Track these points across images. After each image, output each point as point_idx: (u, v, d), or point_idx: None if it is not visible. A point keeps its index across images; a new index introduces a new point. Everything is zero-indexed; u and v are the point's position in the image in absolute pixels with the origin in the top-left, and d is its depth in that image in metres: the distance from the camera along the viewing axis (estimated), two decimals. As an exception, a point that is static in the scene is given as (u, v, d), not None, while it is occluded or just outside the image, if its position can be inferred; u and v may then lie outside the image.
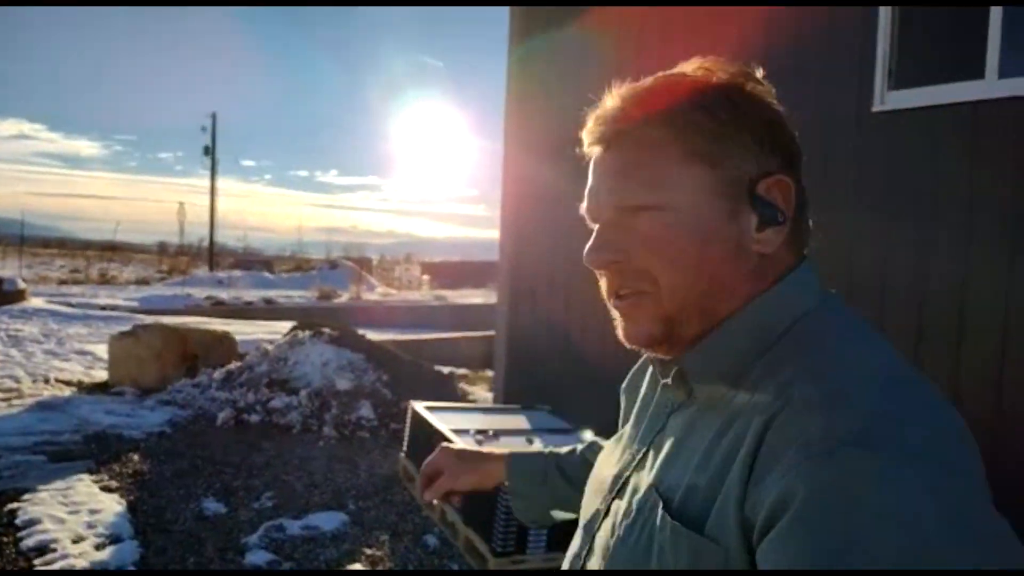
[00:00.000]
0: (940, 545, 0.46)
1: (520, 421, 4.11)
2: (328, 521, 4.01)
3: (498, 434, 3.69)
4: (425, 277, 33.30)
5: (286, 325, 13.62)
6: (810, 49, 3.62)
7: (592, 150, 0.69)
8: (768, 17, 3.72)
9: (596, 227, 0.68)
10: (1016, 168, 2.89)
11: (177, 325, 8.13)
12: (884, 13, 3.33)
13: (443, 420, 3.68)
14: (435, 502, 1.09)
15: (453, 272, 35.76)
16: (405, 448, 3.92)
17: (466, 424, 3.69)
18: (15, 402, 6.07)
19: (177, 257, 45.53)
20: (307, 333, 7.01)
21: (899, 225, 3.26)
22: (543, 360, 5.59)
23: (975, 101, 3.01)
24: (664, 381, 0.71)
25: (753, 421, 0.57)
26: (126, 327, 11.60)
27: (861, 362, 0.58)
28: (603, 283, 0.68)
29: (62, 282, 22.56)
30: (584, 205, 0.70)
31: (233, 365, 6.95)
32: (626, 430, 0.81)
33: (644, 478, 0.68)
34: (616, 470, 0.75)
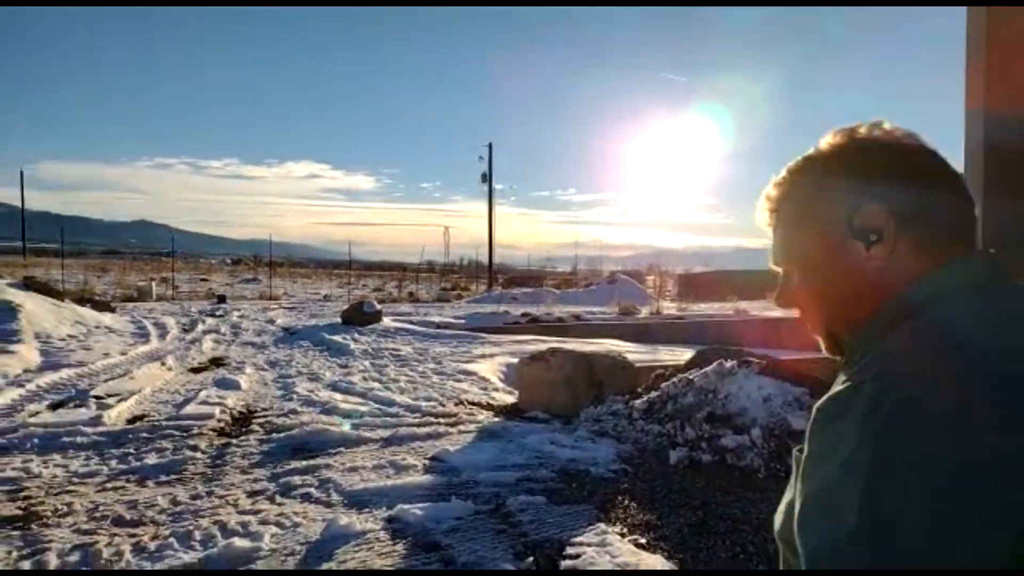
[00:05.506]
0: None
1: None
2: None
3: None
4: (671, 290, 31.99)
5: (612, 342, 13.39)
6: None
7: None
8: None
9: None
10: None
11: (583, 350, 7.89)
12: None
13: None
14: None
15: (705, 284, 33.73)
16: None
17: None
18: (461, 428, 6.12)
19: (447, 275, 49.09)
20: (734, 363, 6.31)
21: None
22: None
23: None
24: None
25: None
26: (478, 346, 12.07)
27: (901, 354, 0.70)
28: None
29: (380, 301, 24.97)
30: None
31: (653, 394, 6.49)
32: None
33: None
34: None
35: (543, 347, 8.62)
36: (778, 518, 0.86)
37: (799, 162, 0.89)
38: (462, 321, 16.44)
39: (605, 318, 18.18)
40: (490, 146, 40.68)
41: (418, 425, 6.13)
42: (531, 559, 3.55)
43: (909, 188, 0.81)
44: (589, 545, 3.74)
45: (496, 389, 8.20)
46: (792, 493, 0.80)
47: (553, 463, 5.18)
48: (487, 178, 40.80)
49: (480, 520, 4.05)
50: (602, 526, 4.01)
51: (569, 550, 3.68)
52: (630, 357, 8.12)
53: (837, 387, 0.73)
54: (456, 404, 7.10)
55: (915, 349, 0.70)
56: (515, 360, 9.27)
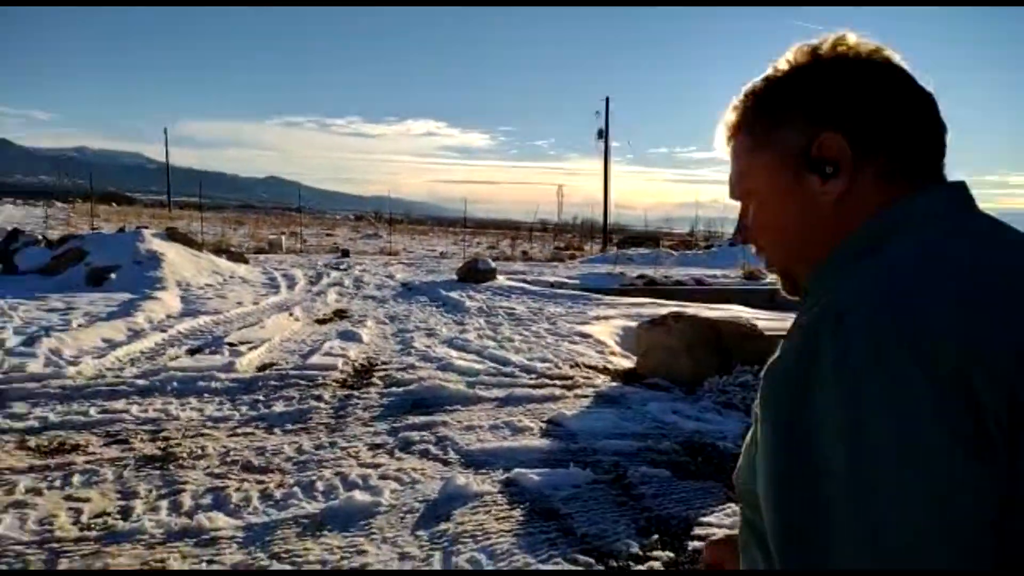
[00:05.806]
0: None
1: None
2: None
3: None
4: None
5: (737, 308, 12.72)
6: None
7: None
8: None
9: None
10: None
11: (707, 316, 7.51)
12: None
13: None
14: None
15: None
16: None
17: None
18: (577, 392, 5.95)
19: (560, 235, 48.64)
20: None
21: None
22: None
23: None
24: None
25: None
26: (592, 308, 11.83)
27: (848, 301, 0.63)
28: None
29: (493, 259, 25.14)
30: None
31: (786, 366, 6.05)
32: None
33: None
34: None
35: (661, 311, 8.28)
36: (740, 472, 0.82)
37: (756, 84, 0.80)
38: (576, 281, 16.21)
39: (728, 282, 17.41)
40: (607, 100, 39.42)
41: (533, 386, 6.01)
42: (655, 536, 3.35)
43: (873, 112, 0.73)
44: (720, 527, 3.49)
45: (613, 353, 7.95)
46: (753, 448, 0.74)
47: (676, 434, 4.92)
48: (603, 134, 39.69)
49: (599, 490, 3.88)
50: (733, 507, 3.73)
51: (697, 530, 3.45)
52: (759, 325, 7.63)
53: (792, 340, 0.66)
54: (572, 366, 6.93)
55: (877, 289, 0.63)
56: (631, 323, 8.98)
